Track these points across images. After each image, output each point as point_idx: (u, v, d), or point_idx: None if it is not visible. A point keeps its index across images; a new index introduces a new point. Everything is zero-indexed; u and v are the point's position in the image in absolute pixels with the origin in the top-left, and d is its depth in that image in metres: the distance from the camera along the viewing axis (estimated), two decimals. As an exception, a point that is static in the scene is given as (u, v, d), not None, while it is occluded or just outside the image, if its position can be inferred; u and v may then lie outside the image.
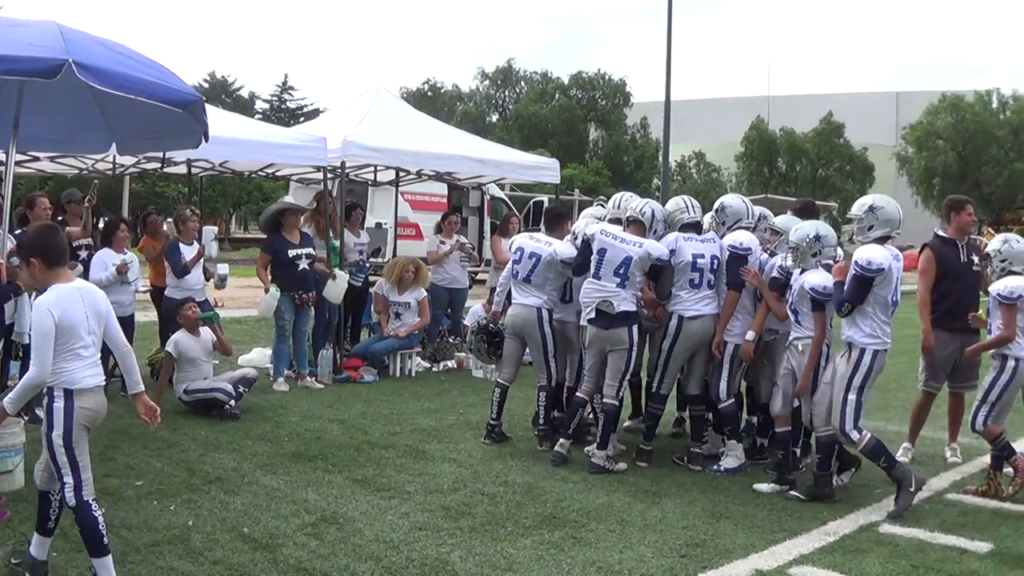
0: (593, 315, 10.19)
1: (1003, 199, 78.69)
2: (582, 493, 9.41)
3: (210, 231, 14.25)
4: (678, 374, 10.69)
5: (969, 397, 10.68)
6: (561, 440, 10.49)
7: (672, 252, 10.29)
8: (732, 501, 9.36)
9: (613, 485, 9.73)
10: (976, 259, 10.89)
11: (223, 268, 14.47)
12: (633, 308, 10.20)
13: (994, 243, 10.28)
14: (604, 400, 10.41)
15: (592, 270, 10.26)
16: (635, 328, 10.22)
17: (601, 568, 7.45)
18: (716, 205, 10.93)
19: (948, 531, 8.62)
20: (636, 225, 10.41)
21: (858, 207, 9.50)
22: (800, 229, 9.74)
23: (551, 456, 10.46)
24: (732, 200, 11.00)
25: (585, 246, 10.54)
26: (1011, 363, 9.70)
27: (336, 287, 14.76)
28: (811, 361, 9.56)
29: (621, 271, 10.08)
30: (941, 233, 11.02)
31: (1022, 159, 79.02)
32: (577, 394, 10.70)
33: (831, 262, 9.59)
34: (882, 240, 9.27)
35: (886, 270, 9.00)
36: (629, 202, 10.99)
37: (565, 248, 10.90)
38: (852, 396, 9.24)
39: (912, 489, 9.22)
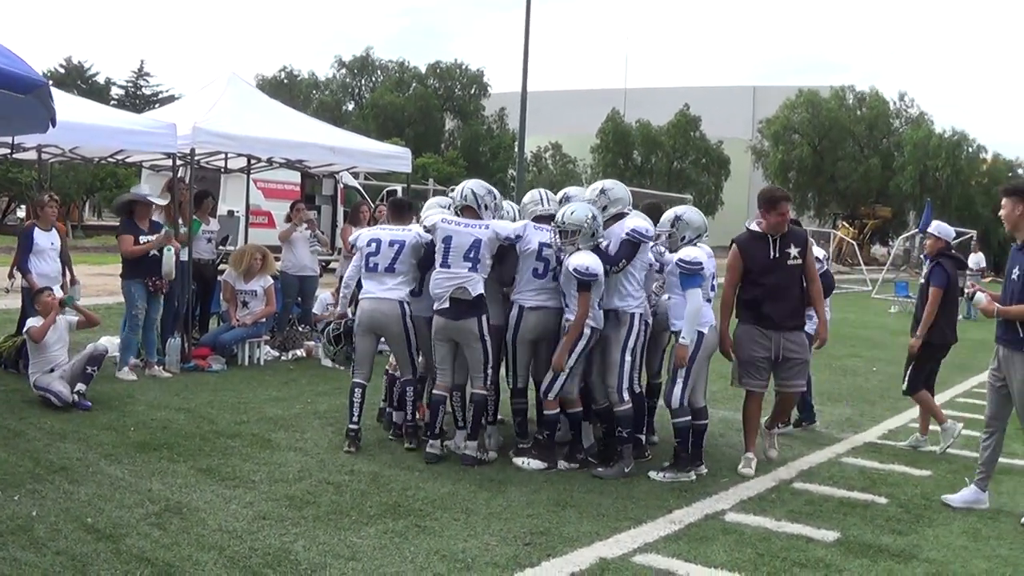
0: (446, 304, 10.08)
1: (858, 194, 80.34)
2: (427, 482, 9.46)
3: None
4: (529, 365, 10.57)
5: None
6: (431, 441, 10.34)
7: (519, 237, 10.24)
8: (577, 490, 9.45)
9: (459, 474, 9.81)
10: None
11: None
12: (483, 292, 10.13)
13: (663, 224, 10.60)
14: (473, 391, 10.37)
15: (440, 259, 10.14)
16: (484, 317, 10.17)
17: (445, 556, 7.49)
18: (560, 195, 11.04)
19: (795, 520, 8.79)
20: (468, 211, 10.42)
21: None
22: (579, 210, 10.00)
23: (425, 456, 10.27)
24: (575, 191, 11.19)
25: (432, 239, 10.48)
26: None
27: (166, 262, 14.43)
28: (569, 338, 9.93)
29: (471, 255, 10.02)
30: (753, 227, 10.80)
31: (878, 155, 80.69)
32: (434, 391, 10.55)
33: (602, 241, 9.99)
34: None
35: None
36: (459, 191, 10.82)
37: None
38: (628, 358, 10.03)
39: (626, 471, 10.01)
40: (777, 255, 10.38)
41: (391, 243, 10.65)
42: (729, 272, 10.55)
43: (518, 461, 10.10)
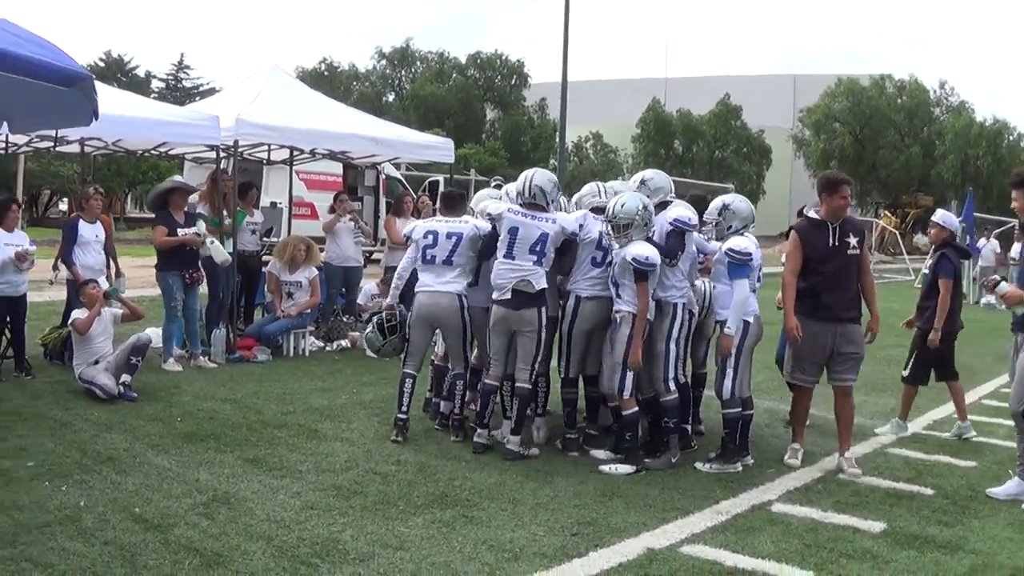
0: (507, 296, 10.03)
1: (900, 182, 79.86)
2: (474, 472, 9.46)
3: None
4: (583, 356, 10.51)
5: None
6: (479, 431, 10.34)
7: (581, 227, 10.23)
8: (624, 480, 9.45)
9: (505, 464, 9.80)
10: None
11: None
12: (546, 286, 10.13)
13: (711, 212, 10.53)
14: (517, 384, 10.29)
15: (504, 250, 10.08)
16: (544, 309, 10.14)
17: (492, 546, 7.48)
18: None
19: (841, 510, 8.75)
20: (535, 205, 10.28)
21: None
22: (630, 201, 9.93)
23: (473, 446, 10.29)
24: (620, 185, 11.18)
25: (492, 228, 10.38)
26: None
27: (216, 251, 14.53)
28: (637, 332, 9.81)
29: (537, 248, 9.98)
30: (811, 214, 10.40)
31: (918, 143, 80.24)
32: (486, 380, 10.52)
33: (651, 233, 9.96)
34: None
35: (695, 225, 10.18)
36: (517, 184, 10.75)
37: (485, 223, 10.59)
38: (672, 348, 10.04)
39: (673, 461, 10.03)
40: (837, 243, 10.06)
41: (449, 235, 10.56)
42: (789, 260, 10.22)
43: (604, 468, 9.83)
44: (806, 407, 10.57)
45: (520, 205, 10.38)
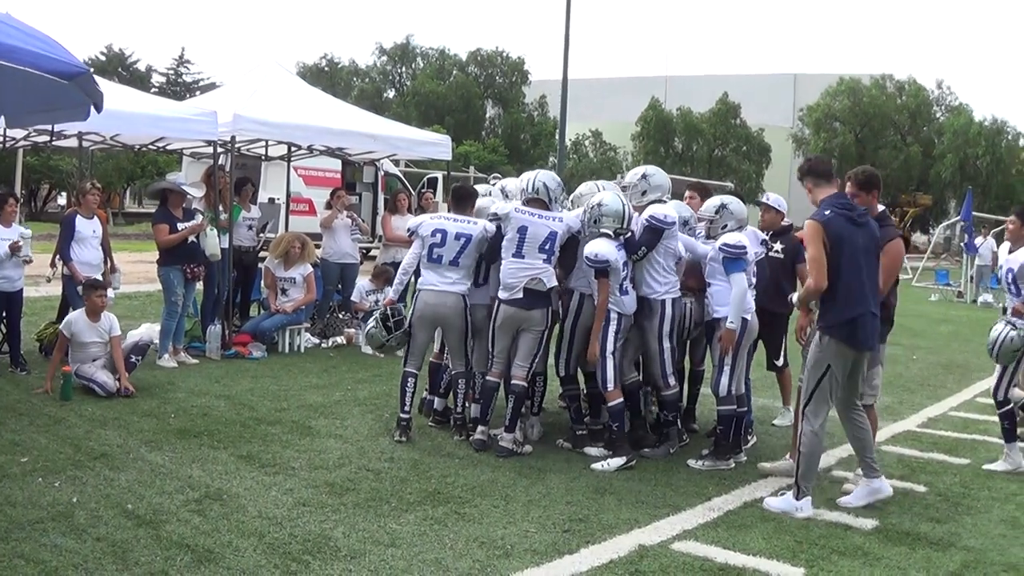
0: (519, 295, 10.04)
1: (899, 182, 79.80)
2: (467, 469, 9.47)
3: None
4: (583, 353, 10.43)
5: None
6: (480, 427, 10.35)
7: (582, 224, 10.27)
8: (617, 477, 9.47)
9: (498, 461, 9.81)
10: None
11: (116, 280, 14.43)
12: (555, 284, 10.18)
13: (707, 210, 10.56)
14: (512, 381, 10.30)
15: (513, 249, 10.08)
16: (550, 308, 10.23)
17: (484, 543, 7.50)
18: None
19: (833, 507, 8.78)
20: (538, 203, 10.32)
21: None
22: (583, 198, 10.27)
23: (473, 443, 10.30)
24: (608, 184, 11.26)
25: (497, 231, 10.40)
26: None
27: (209, 242, 14.52)
28: (596, 326, 9.98)
29: (547, 247, 10.02)
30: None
31: (919, 143, 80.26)
32: (488, 378, 10.50)
33: (610, 232, 9.89)
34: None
35: (676, 223, 10.09)
36: (521, 183, 10.86)
37: (492, 225, 10.53)
38: (667, 344, 10.10)
39: (672, 451, 10.28)
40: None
41: (457, 236, 10.49)
42: None
43: (596, 467, 9.82)
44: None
45: (523, 203, 10.40)
